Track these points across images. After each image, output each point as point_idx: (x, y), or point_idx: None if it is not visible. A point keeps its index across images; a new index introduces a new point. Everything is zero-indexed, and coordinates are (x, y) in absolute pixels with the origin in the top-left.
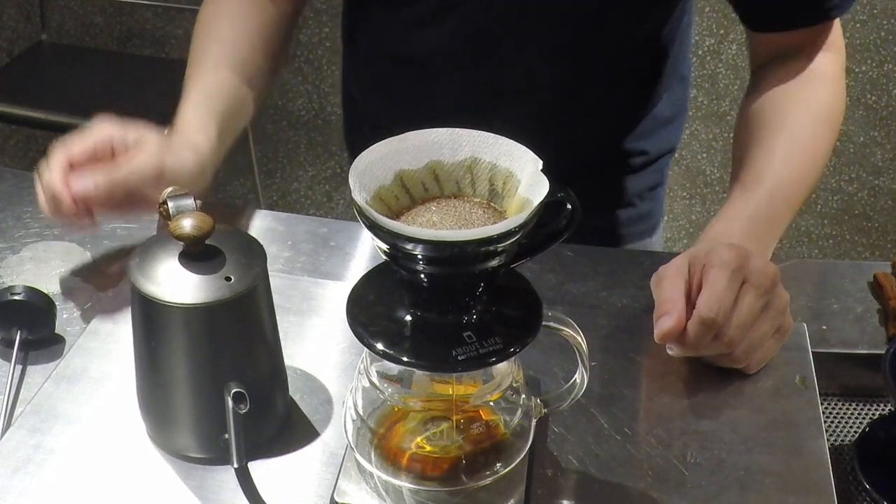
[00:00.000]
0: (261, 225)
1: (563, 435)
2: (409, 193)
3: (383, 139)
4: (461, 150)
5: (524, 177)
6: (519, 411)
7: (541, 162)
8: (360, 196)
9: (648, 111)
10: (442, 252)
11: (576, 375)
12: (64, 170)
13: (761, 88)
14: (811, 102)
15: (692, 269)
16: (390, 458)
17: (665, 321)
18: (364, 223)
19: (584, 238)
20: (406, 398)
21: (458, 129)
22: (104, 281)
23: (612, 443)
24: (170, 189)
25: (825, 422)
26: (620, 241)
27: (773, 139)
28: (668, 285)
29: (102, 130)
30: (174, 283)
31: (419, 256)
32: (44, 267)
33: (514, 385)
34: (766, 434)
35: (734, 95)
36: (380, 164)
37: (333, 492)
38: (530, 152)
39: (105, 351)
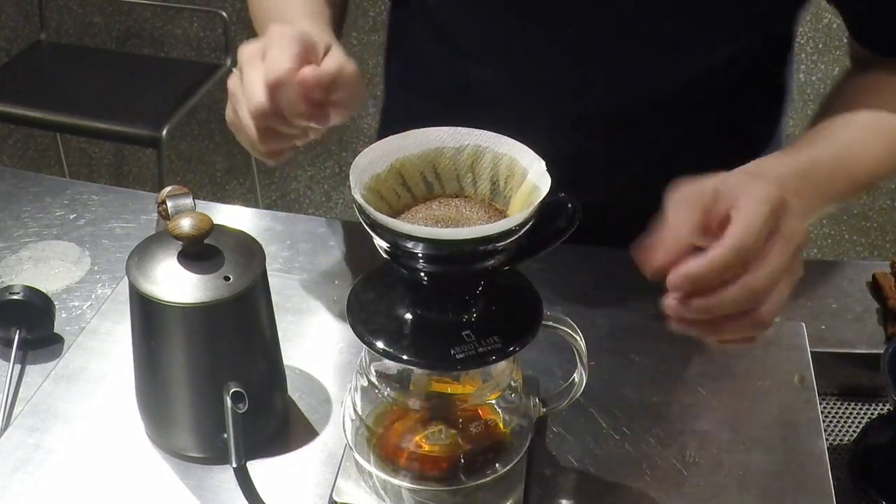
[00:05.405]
0: (259, 224)
1: (561, 434)
2: (410, 191)
3: None
4: (463, 143)
5: (526, 176)
6: (518, 411)
7: (543, 161)
8: (359, 193)
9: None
10: (440, 250)
11: (574, 375)
12: (291, 66)
13: (865, 71)
14: None
15: (720, 197)
16: (389, 457)
17: (643, 251)
18: (364, 221)
19: None
20: (405, 397)
21: (460, 128)
22: (103, 280)
23: (610, 442)
24: (168, 188)
25: (824, 421)
26: None
27: (860, 113)
28: (678, 213)
29: (295, 37)
30: (173, 282)
31: (418, 255)
32: (43, 266)
33: (513, 384)
34: (764, 434)
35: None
36: (381, 161)
37: (332, 491)
38: (532, 152)
39: (104, 350)
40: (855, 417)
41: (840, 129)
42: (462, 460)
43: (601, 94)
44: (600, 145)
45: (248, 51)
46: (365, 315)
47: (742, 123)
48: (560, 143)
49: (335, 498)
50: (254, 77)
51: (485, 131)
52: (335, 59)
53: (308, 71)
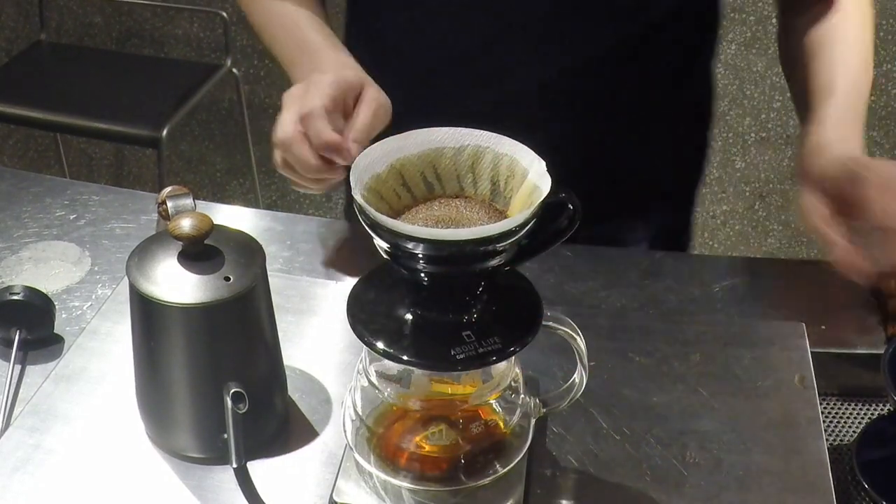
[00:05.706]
0: (260, 225)
1: (561, 435)
2: (411, 191)
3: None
4: (463, 143)
5: (526, 176)
6: (518, 411)
7: (543, 162)
8: (359, 194)
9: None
10: (441, 251)
11: (575, 375)
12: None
13: (797, 26)
14: (846, 19)
15: (832, 193)
16: (389, 457)
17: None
18: (364, 221)
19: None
20: (405, 398)
21: (460, 128)
22: (103, 281)
23: (610, 442)
24: (168, 189)
25: (824, 421)
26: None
27: (828, 52)
28: (809, 204)
29: (332, 82)
30: (173, 282)
31: (419, 255)
32: (43, 267)
33: (514, 385)
34: (764, 434)
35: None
36: (381, 161)
37: (332, 492)
38: (532, 152)
39: (104, 351)
40: (855, 417)
41: (829, 73)
42: (462, 461)
43: (568, 59)
44: (568, 111)
45: (289, 95)
46: (365, 315)
47: (685, 75)
48: (529, 110)
49: (335, 498)
50: (286, 114)
51: (485, 132)
52: (368, 109)
53: (335, 143)
